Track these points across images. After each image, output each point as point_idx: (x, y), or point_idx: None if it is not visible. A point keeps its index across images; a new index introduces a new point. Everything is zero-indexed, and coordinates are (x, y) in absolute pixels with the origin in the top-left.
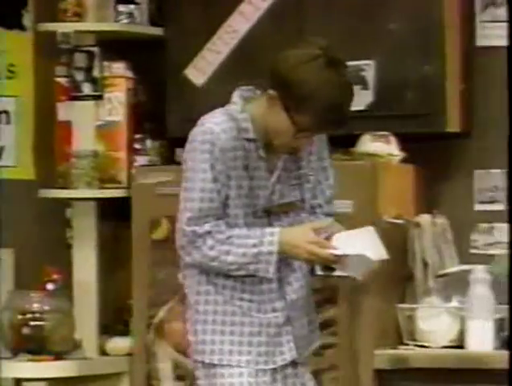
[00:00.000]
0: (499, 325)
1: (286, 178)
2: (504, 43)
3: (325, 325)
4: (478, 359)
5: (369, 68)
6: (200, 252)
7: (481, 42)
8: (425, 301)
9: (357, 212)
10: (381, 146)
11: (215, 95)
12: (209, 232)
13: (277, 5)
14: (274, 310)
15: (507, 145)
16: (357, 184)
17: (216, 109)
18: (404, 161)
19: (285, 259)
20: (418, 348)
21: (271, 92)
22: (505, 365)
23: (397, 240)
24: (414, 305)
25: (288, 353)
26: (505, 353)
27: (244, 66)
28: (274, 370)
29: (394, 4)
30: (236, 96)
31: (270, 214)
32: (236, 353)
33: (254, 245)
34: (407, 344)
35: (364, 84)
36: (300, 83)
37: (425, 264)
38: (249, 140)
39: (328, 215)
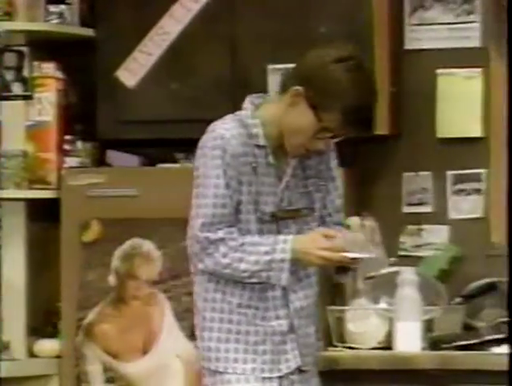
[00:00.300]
0: (427, 326)
1: (295, 186)
2: (432, 45)
3: None
4: (406, 359)
5: None
6: (213, 259)
7: (409, 45)
8: (354, 302)
9: None
10: None
11: (146, 97)
12: (222, 239)
13: (209, 6)
14: (277, 318)
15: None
16: None
17: (226, 116)
18: None
19: (297, 266)
20: (347, 350)
21: (297, 88)
22: (432, 365)
23: None
24: (343, 307)
25: (293, 360)
26: (433, 353)
27: (176, 68)
28: (280, 377)
29: (324, 7)
30: (247, 102)
31: (277, 220)
32: (241, 361)
33: (267, 253)
34: (337, 346)
35: None
36: (332, 80)
37: None
38: (258, 146)
39: (337, 224)
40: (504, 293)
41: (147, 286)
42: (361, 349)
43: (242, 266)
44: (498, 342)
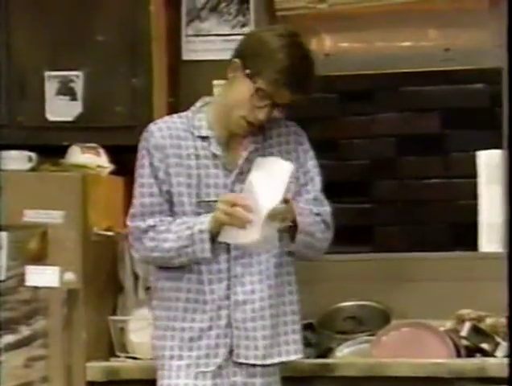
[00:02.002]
0: None
1: None
2: (209, 57)
3: (36, 336)
4: None
5: (77, 79)
6: (143, 245)
7: (186, 55)
8: (136, 313)
9: (67, 224)
10: (90, 158)
11: None
12: (153, 226)
13: None
14: (219, 309)
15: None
16: (67, 196)
17: None
18: (114, 173)
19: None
20: (129, 360)
21: (235, 60)
22: None
23: (107, 252)
24: (125, 318)
25: (227, 354)
26: None
27: None
28: (218, 374)
29: (102, 15)
30: (199, 101)
31: None
32: (176, 358)
33: (188, 228)
34: (119, 356)
35: (73, 95)
36: (264, 43)
37: (136, 277)
38: (202, 137)
39: (317, 214)
40: None
41: None
42: (142, 359)
43: (166, 245)
44: None
